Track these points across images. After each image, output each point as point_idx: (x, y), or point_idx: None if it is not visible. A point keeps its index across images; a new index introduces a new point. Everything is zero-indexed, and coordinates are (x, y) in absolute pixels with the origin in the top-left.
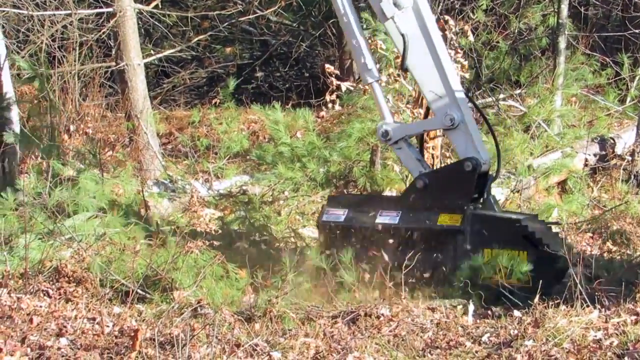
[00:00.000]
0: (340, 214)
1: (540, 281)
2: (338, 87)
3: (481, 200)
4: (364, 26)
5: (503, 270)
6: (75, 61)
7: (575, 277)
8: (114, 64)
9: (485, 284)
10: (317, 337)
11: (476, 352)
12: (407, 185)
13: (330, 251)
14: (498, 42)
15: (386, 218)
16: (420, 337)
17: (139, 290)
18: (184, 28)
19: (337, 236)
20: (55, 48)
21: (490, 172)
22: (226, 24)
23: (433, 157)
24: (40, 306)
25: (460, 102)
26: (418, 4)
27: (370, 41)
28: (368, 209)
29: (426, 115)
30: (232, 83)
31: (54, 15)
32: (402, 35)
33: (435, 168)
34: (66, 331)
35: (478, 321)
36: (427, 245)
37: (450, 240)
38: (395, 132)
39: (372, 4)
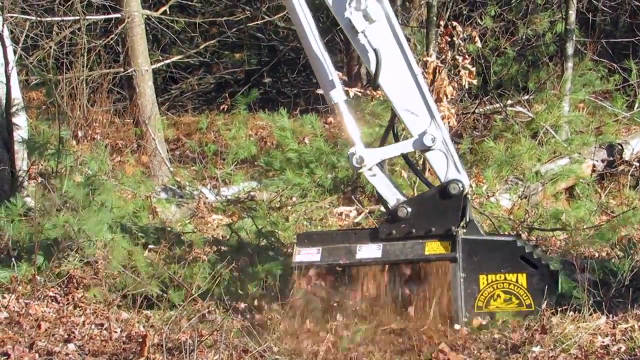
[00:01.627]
0: (314, 253)
1: (542, 300)
2: (346, 93)
3: (463, 224)
4: None
5: (502, 296)
6: (83, 67)
7: (583, 284)
8: (122, 69)
9: (485, 313)
10: (324, 343)
11: (485, 358)
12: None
13: (310, 293)
14: (506, 48)
15: (367, 253)
16: (428, 342)
17: (157, 292)
18: (192, 34)
19: (316, 277)
20: (63, 54)
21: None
22: (234, 29)
23: None
24: (49, 312)
25: (439, 120)
26: (389, 15)
27: None
28: (344, 245)
29: (395, 138)
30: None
31: (62, 21)
32: (375, 50)
33: (414, 195)
34: (74, 337)
35: None
36: (416, 278)
37: (442, 269)
38: (370, 157)
39: (339, 18)
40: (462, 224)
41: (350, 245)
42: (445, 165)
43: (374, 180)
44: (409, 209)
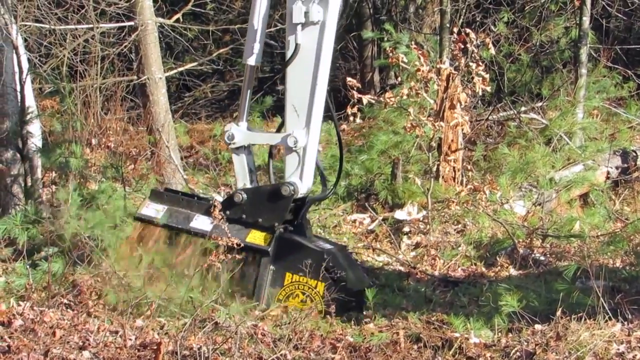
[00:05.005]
0: (159, 211)
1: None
2: (359, 100)
3: (295, 223)
4: (385, 38)
5: (300, 297)
6: (97, 75)
7: (598, 291)
8: (135, 77)
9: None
10: (339, 352)
11: None
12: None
13: (140, 247)
14: (519, 54)
15: (200, 224)
16: (442, 350)
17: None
18: (205, 42)
19: (151, 232)
20: (77, 62)
21: (309, 197)
22: None
23: (454, 170)
24: (63, 319)
25: (313, 130)
26: (326, 24)
27: (391, 54)
28: (186, 210)
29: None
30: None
31: (76, 29)
32: (297, 44)
33: (258, 185)
34: (89, 344)
35: (500, 334)
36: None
37: (256, 258)
38: (241, 137)
39: (288, 1)
40: (294, 222)
41: (190, 212)
42: (293, 168)
43: (236, 159)
44: (245, 197)
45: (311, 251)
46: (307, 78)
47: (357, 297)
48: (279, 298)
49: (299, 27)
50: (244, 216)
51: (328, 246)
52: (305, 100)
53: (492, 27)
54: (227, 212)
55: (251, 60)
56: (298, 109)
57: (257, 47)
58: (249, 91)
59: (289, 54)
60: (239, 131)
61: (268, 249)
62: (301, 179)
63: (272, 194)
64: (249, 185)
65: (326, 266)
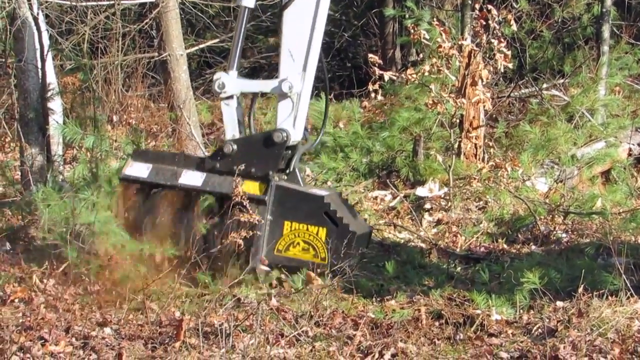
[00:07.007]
0: (144, 169)
1: (336, 257)
2: (381, 77)
3: (287, 172)
4: (407, 15)
5: (302, 245)
6: (118, 52)
7: (620, 268)
8: (156, 54)
9: (283, 257)
10: (360, 328)
11: (521, 342)
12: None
13: (129, 209)
14: (541, 31)
15: (189, 179)
16: (463, 327)
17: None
18: (227, 18)
19: (138, 192)
20: (98, 38)
21: (299, 145)
22: (268, 14)
23: (476, 147)
24: (84, 296)
25: (309, 76)
26: None
27: (413, 31)
28: (172, 167)
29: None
30: None
31: (97, 5)
32: None
33: (248, 135)
34: (110, 321)
35: (521, 311)
36: (228, 212)
37: (251, 209)
38: (232, 86)
39: None
40: (285, 171)
41: (177, 168)
42: (286, 114)
43: (225, 109)
44: (235, 147)
45: (310, 197)
46: (306, 22)
47: (360, 240)
48: (279, 248)
49: None
50: (235, 167)
51: (326, 192)
52: (303, 45)
53: (514, 4)
54: (218, 165)
55: (246, 1)
56: (294, 53)
57: None
58: (241, 37)
59: None
60: (230, 79)
61: (265, 198)
62: (294, 126)
63: (264, 142)
64: (238, 136)
65: (327, 211)
